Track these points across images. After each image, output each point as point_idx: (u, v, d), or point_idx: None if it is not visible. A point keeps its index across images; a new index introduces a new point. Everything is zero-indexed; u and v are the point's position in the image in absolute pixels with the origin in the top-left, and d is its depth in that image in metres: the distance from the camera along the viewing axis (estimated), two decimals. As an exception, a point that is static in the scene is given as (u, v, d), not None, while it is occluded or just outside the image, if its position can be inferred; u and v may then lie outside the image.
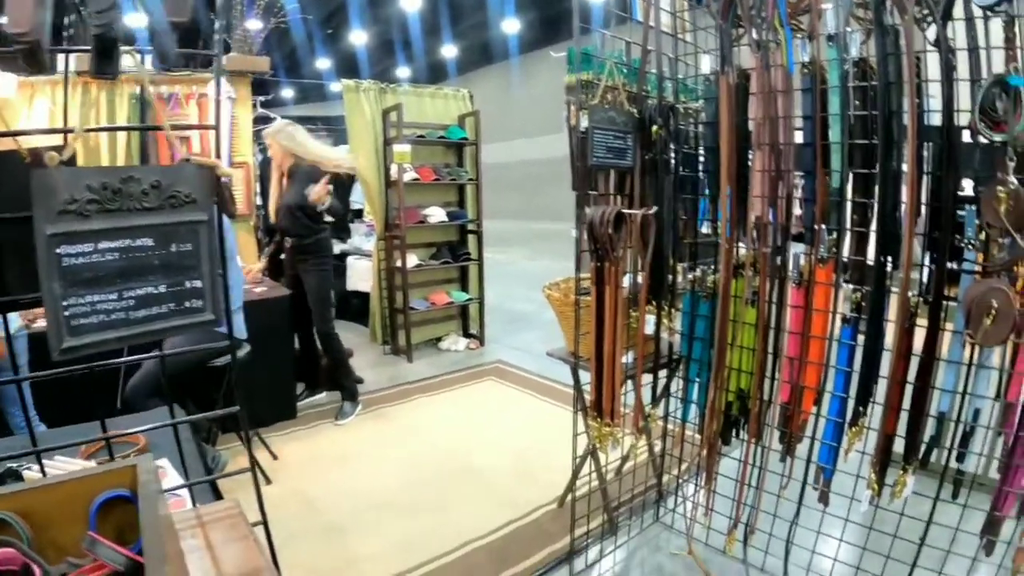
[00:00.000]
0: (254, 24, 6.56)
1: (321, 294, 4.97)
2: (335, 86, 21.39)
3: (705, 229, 3.03)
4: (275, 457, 4.17)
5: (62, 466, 1.70)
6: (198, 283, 1.44)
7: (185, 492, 1.74)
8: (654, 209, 2.62)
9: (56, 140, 1.35)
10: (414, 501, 3.69)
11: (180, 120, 5.07)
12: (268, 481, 3.83)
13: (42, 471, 1.48)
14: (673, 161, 2.91)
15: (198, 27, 1.58)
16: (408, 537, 3.29)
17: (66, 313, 1.27)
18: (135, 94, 4.98)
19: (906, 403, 2.27)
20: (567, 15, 2.51)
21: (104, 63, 1.29)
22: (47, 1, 1.19)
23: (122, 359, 1.58)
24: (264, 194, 5.87)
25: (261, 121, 7.00)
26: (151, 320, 1.40)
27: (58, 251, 1.25)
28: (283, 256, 5.26)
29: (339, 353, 5.10)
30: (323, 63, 22.91)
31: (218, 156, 1.51)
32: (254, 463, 1.70)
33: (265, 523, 1.62)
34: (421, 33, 19.65)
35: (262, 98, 7.35)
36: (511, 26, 20.00)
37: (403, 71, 24.83)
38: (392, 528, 3.39)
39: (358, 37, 20.03)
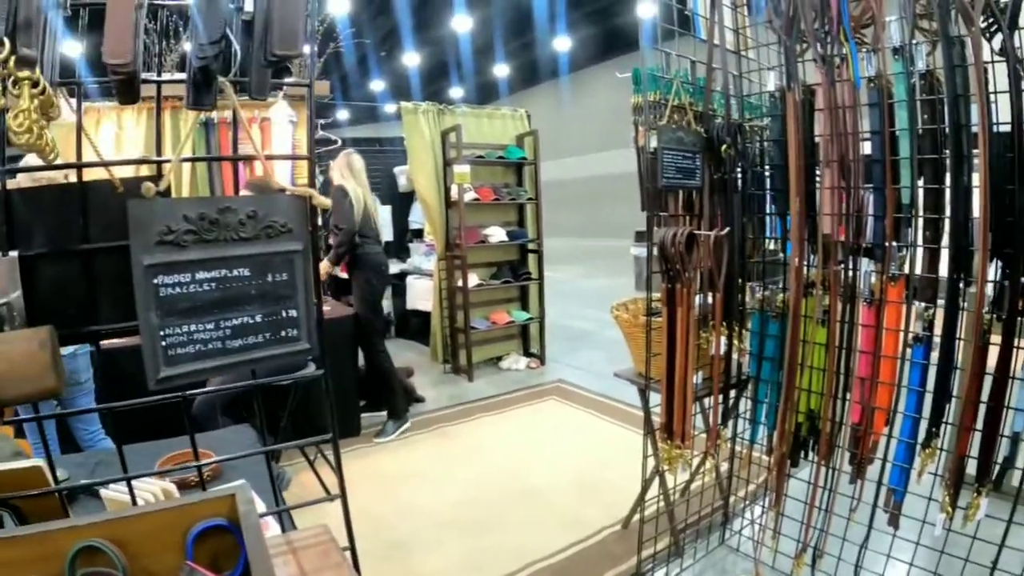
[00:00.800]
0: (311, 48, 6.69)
1: (363, 308, 5.10)
2: (389, 107, 21.71)
3: (772, 247, 3.00)
4: (336, 473, 4.21)
5: (143, 487, 1.74)
6: (294, 312, 1.47)
7: (269, 517, 1.77)
8: (726, 230, 2.60)
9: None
10: (477, 520, 3.69)
11: (242, 143, 5.15)
12: (332, 498, 3.87)
13: (132, 499, 1.51)
14: (741, 180, 2.89)
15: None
16: (471, 556, 3.30)
17: (163, 343, 1.30)
18: (200, 118, 5.07)
19: (979, 423, 2.20)
20: (618, 31, 2.52)
21: (202, 94, 1.32)
22: (141, 36, 1.23)
23: (216, 388, 1.61)
24: (325, 217, 5.97)
25: (322, 143, 7.12)
26: (247, 349, 1.43)
27: (155, 281, 1.29)
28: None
29: (384, 370, 5.16)
30: (377, 85, 23.22)
31: (313, 183, 1.54)
32: (343, 491, 1.72)
33: (353, 549, 1.64)
34: (473, 53, 19.79)
35: (322, 121, 7.48)
36: (562, 44, 20.03)
37: (456, 91, 25.04)
38: (455, 547, 3.41)
39: (411, 58, 20.25)
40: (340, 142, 7.57)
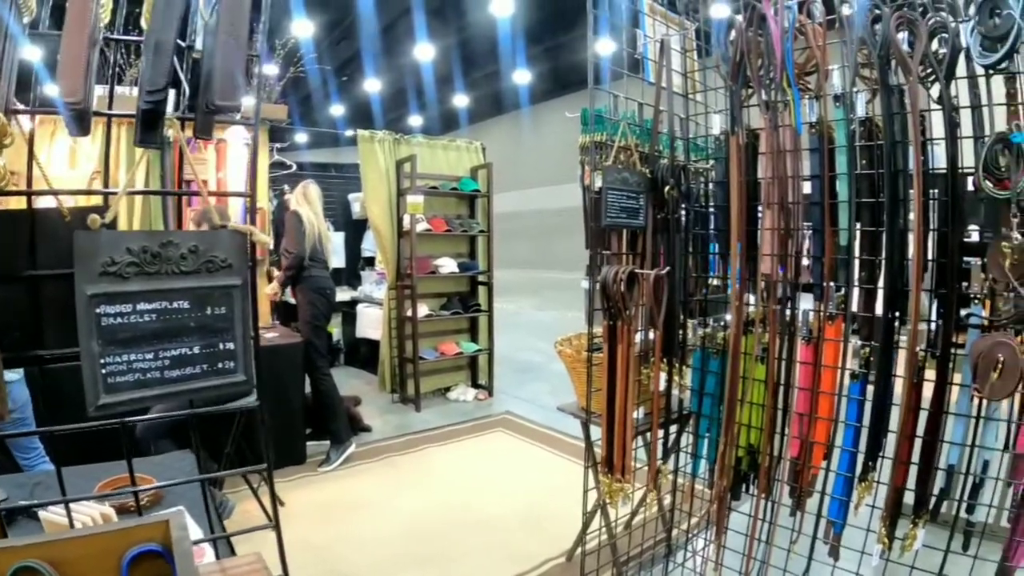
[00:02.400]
0: (272, 70, 6.69)
1: (307, 330, 5.16)
2: (348, 133, 21.71)
3: (715, 283, 3.07)
4: (282, 503, 4.17)
5: (82, 510, 1.72)
6: (231, 345, 1.49)
7: (206, 544, 1.76)
8: (666, 269, 2.66)
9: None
10: (422, 552, 3.68)
11: (198, 162, 5.12)
12: (267, 527, 3.82)
13: (70, 522, 1.50)
14: (684, 220, 2.96)
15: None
16: (417, 589, 3.27)
17: (103, 371, 1.31)
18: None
19: (915, 456, 2.26)
20: (576, 67, 2.59)
21: (149, 134, 1.34)
22: (94, 73, 1.24)
23: (158, 415, 1.62)
24: (277, 240, 5.98)
25: (277, 167, 7.11)
26: (185, 380, 1.45)
27: (98, 311, 1.30)
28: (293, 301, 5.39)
29: (327, 393, 5.16)
30: (336, 110, 23.19)
31: (251, 219, 1.56)
32: (277, 520, 1.72)
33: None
34: (434, 83, 19.92)
35: (278, 145, 7.46)
36: (522, 77, 20.26)
37: (415, 119, 25.11)
38: (400, 579, 3.37)
39: (372, 85, 20.30)
40: (295, 167, 7.58)
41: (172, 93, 1.42)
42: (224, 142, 5.20)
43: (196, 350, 1.46)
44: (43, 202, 1.52)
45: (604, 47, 2.81)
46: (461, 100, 23.34)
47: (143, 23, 1.37)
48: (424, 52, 17.00)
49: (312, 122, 23.20)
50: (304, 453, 5.07)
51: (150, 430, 3.47)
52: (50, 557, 1.03)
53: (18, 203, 2.56)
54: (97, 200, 1.66)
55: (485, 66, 19.56)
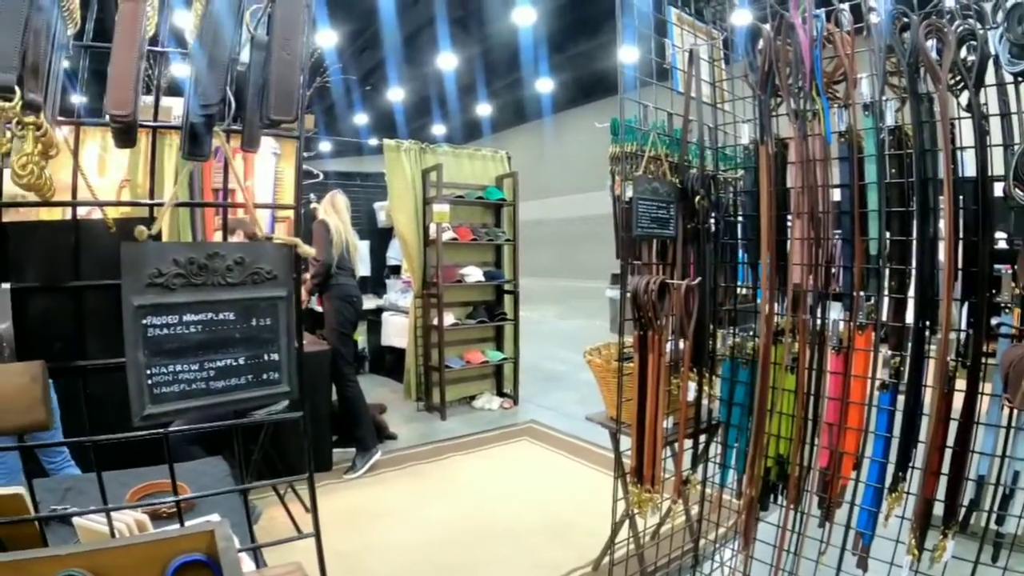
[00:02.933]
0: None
1: (333, 337, 5.21)
2: (372, 141, 21.83)
3: (744, 294, 3.06)
4: (308, 510, 4.19)
5: (116, 516, 1.74)
6: (276, 356, 1.51)
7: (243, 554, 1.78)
8: (698, 280, 2.66)
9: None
10: (447, 560, 3.68)
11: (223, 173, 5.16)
12: (306, 536, 3.84)
13: (111, 530, 1.53)
14: (714, 229, 2.96)
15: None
16: (442, 597, 3.28)
17: (149, 382, 1.33)
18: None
19: (945, 467, 2.25)
20: (599, 76, 2.60)
21: (197, 147, 1.36)
22: (140, 86, 1.27)
23: (195, 425, 1.64)
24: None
25: (304, 176, 7.15)
26: (230, 391, 1.47)
27: (144, 322, 1.32)
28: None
29: (353, 400, 5.20)
30: (360, 119, 23.33)
31: (296, 233, 1.58)
32: (318, 530, 1.74)
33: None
34: (457, 92, 20.01)
35: (306, 154, 7.51)
36: (545, 85, 20.31)
37: (439, 128, 25.23)
38: (427, 587, 3.38)
39: (395, 94, 20.43)
40: (321, 175, 7.63)
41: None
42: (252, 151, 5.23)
43: (241, 361, 1.48)
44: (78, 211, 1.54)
45: (631, 56, 2.81)
46: (484, 109, 23.43)
47: (187, 36, 1.40)
48: (447, 61, 17.11)
49: (336, 131, 23.35)
50: (330, 460, 5.09)
51: (180, 437, 3.50)
52: (93, 566, 1.04)
53: (48, 212, 2.60)
54: (127, 210, 1.68)
55: (508, 75, 19.63)
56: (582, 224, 22.67)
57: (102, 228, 1.39)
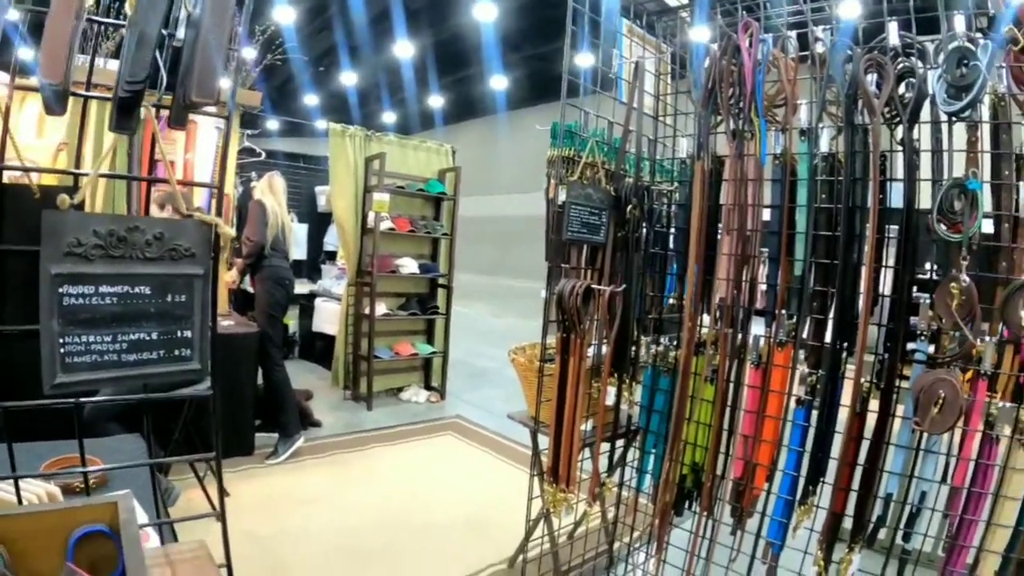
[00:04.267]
0: (250, 54, 6.63)
1: (262, 319, 5.16)
2: (321, 124, 21.56)
3: (672, 303, 3.12)
4: (227, 494, 4.11)
5: (28, 488, 1.70)
6: (188, 333, 1.50)
7: (151, 529, 1.76)
8: (622, 287, 2.70)
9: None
10: (365, 549, 3.67)
11: (167, 142, 5.05)
12: (212, 515, 3.79)
13: (19, 498, 1.50)
14: (644, 239, 3.01)
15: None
16: (356, 586, 3.27)
17: (62, 350, 1.32)
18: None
19: (855, 484, 2.33)
20: (554, 79, 2.62)
21: (125, 120, 1.35)
22: (75, 53, 1.25)
23: (110, 397, 1.63)
24: (240, 227, 5.95)
25: (246, 153, 7.05)
26: (141, 364, 1.46)
27: (60, 290, 1.31)
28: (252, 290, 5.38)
29: (278, 384, 5.14)
30: (311, 99, 23.00)
31: (218, 212, 1.57)
32: (223, 511, 1.73)
33: (229, 568, 1.65)
34: (412, 81, 19.87)
35: (250, 131, 7.39)
36: (499, 83, 20.31)
37: (389, 116, 25.00)
38: (343, 575, 3.38)
39: (348, 78, 20.19)
40: (263, 154, 7.52)
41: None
42: (194, 123, 5.13)
43: (154, 336, 1.48)
44: (8, 174, 1.51)
45: (581, 63, 2.84)
46: (437, 101, 23.29)
47: (127, 7, 1.38)
48: (404, 49, 16.97)
49: (286, 110, 22.98)
50: (252, 444, 5.01)
51: (99, 412, 3.42)
52: (-2, 532, 1.04)
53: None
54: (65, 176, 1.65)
55: (464, 69, 19.57)
56: (523, 224, 22.60)
57: (28, 193, 1.36)
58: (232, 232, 1.57)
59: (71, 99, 1.35)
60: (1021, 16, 1.96)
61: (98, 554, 1.09)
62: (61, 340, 1.32)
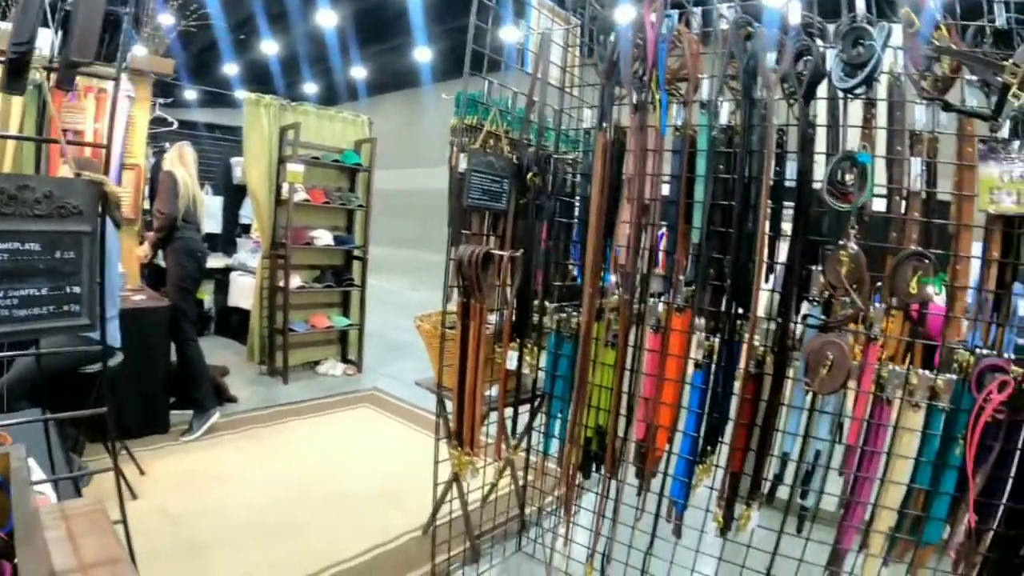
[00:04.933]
0: (166, 19, 6.45)
1: (174, 292, 5.10)
2: (240, 94, 21.04)
3: (576, 273, 3.19)
4: (142, 472, 4.07)
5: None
6: (77, 289, 1.56)
7: (49, 490, 1.76)
8: (520, 252, 2.75)
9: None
10: (281, 523, 3.67)
11: (75, 113, 4.92)
12: (134, 496, 3.74)
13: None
14: (548, 207, 3.06)
15: (115, 17, 1.66)
16: (272, 559, 3.28)
17: (-48, 305, 1.33)
18: (34, 80, 4.83)
19: (754, 444, 2.43)
20: (475, 53, 2.63)
21: (15, 82, 1.37)
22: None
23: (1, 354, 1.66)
24: (152, 198, 5.82)
25: (158, 123, 6.87)
26: (32, 320, 1.51)
27: None
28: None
29: (191, 359, 5.08)
30: (231, 69, 22.37)
31: (117, 169, 1.58)
32: (117, 465, 1.75)
33: (124, 521, 1.66)
34: (334, 51, 19.49)
35: (162, 100, 7.20)
36: (423, 55, 20.10)
37: (311, 87, 24.49)
38: (257, 549, 3.38)
39: (269, 47, 19.68)
40: (176, 124, 7.34)
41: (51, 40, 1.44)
42: (104, 92, 4.98)
43: (44, 291, 1.52)
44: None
45: (500, 34, 2.87)
46: (359, 72, 22.89)
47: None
48: (326, 18, 16.64)
49: (206, 80, 22.28)
50: (168, 422, 4.94)
51: (9, 391, 3.34)
52: None
53: None
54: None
55: (387, 40, 19.24)
56: (441, 197, 22.49)
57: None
58: (119, 190, 1.60)
59: None
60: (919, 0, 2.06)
61: (-6, 506, 1.10)
62: (-49, 295, 1.34)
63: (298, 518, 3.75)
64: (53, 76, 1.58)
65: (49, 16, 1.43)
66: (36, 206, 1.46)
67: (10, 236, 1.44)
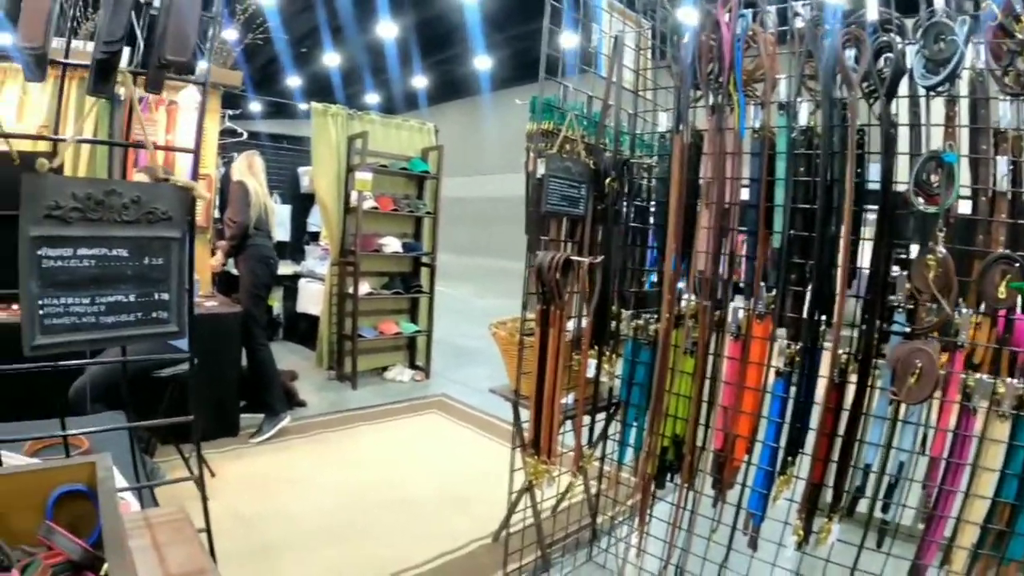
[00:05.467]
0: (231, 34, 6.58)
1: (247, 298, 5.16)
2: (303, 106, 21.39)
3: (653, 278, 3.13)
4: (213, 474, 4.14)
5: (8, 461, 1.71)
6: (166, 296, 1.54)
7: (130, 496, 1.77)
8: (600, 258, 2.71)
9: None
10: (350, 527, 3.68)
11: (148, 123, 5.03)
12: (191, 478, 3.80)
13: (-1, 463, 1.51)
14: (625, 213, 3.02)
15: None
16: (341, 563, 3.29)
17: (40, 312, 1.35)
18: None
19: (835, 455, 2.35)
20: (538, 58, 2.60)
21: (102, 84, 1.37)
22: (54, 22, 1.26)
23: (84, 361, 1.66)
24: (223, 208, 5.92)
25: (227, 134, 7.01)
26: (119, 327, 1.50)
27: (39, 252, 1.34)
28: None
29: (263, 363, 5.15)
30: (294, 81, 22.81)
31: (195, 177, 1.58)
32: (202, 473, 1.75)
33: (208, 530, 1.66)
34: (395, 61, 19.71)
35: (231, 112, 7.35)
36: (483, 63, 20.20)
37: (372, 97, 24.81)
38: (326, 553, 3.39)
39: (331, 59, 20.02)
40: (245, 134, 7.48)
41: (128, 49, 1.45)
42: (175, 104, 5.11)
43: (132, 298, 1.51)
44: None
45: (560, 39, 2.84)
46: (420, 81, 23.14)
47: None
48: (387, 30, 16.83)
49: (269, 92, 22.78)
50: (237, 425, 5.02)
51: (84, 393, 3.41)
52: (-26, 493, 1.05)
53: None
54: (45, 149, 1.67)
55: (447, 49, 19.42)
56: (505, 204, 22.48)
57: (7, 161, 1.38)
58: (207, 195, 1.60)
59: (50, 84, 1.38)
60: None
61: (76, 514, 1.10)
62: (40, 302, 1.35)
63: (366, 523, 3.76)
64: (132, 81, 1.57)
65: (135, 20, 1.44)
66: (124, 211, 1.46)
67: (97, 242, 1.44)
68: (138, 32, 1.40)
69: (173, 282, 1.56)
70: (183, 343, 3.65)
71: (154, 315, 1.55)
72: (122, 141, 2.33)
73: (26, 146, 2.97)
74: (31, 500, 1.08)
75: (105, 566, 0.97)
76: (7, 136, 1.46)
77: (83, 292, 1.43)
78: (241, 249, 5.18)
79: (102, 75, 1.40)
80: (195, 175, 1.63)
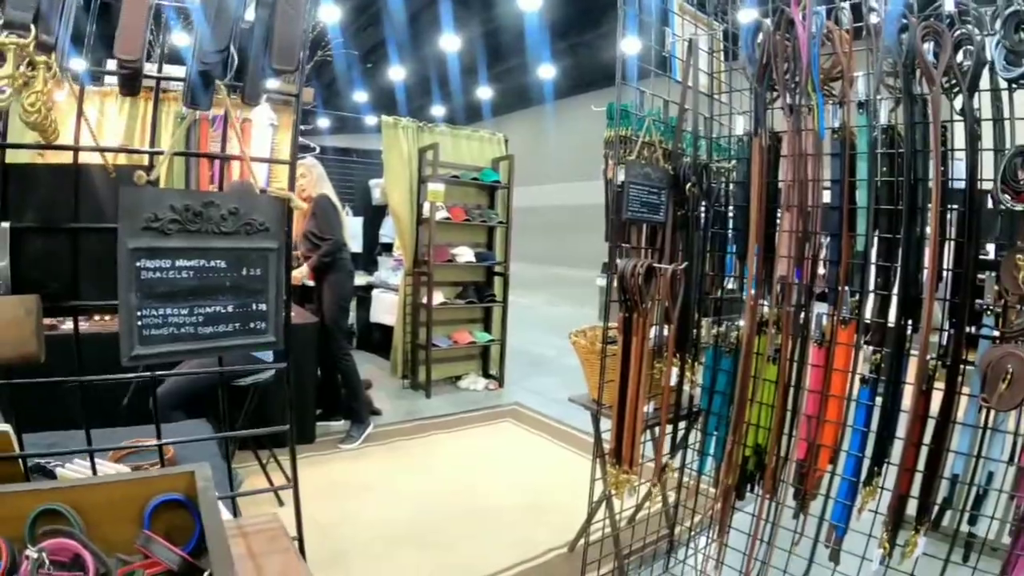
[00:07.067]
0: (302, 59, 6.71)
1: (332, 311, 5.21)
2: (370, 119, 21.73)
3: (731, 285, 3.09)
4: (288, 479, 4.20)
5: (100, 469, 1.76)
6: (263, 306, 1.56)
7: (221, 504, 1.81)
8: (684, 265, 2.68)
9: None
10: (424, 535, 3.71)
11: (219, 141, 5.16)
12: (281, 503, 3.87)
13: (93, 470, 1.56)
14: (704, 218, 2.99)
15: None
16: (418, 571, 3.32)
17: (139, 323, 1.38)
18: (180, 111, 5.13)
19: (921, 464, 2.27)
20: (601, 66, 2.61)
21: (200, 96, 1.40)
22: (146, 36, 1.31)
23: (179, 371, 1.70)
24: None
25: (300, 149, 7.15)
26: (217, 337, 1.52)
27: (138, 264, 1.37)
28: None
29: (349, 373, 5.24)
30: (360, 96, 23.20)
31: (290, 187, 1.62)
32: (296, 481, 1.77)
33: (300, 539, 1.69)
34: (458, 73, 19.89)
35: (303, 127, 7.49)
36: (547, 72, 20.23)
37: (438, 109, 25.07)
38: (400, 561, 3.42)
39: (396, 73, 20.29)
40: (318, 149, 7.62)
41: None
42: (249, 122, 5.22)
43: (230, 309, 1.54)
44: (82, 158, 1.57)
45: (632, 44, 2.83)
46: (485, 92, 23.30)
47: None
48: (450, 42, 17.00)
49: (336, 107, 23.21)
50: (314, 433, 5.13)
51: (164, 401, 3.51)
52: (73, 502, 1.07)
53: (55, 157, 2.65)
54: (125, 161, 1.72)
55: (510, 59, 19.52)
56: (575, 213, 22.52)
57: (101, 173, 1.42)
58: (304, 206, 1.62)
59: (127, 106, 1.42)
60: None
61: (173, 524, 1.13)
62: (139, 313, 1.38)
63: (443, 530, 3.79)
64: (228, 93, 1.59)
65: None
66: (222, 223, 1.48)
67: (196, 253, 1.47)
68: (233, 47, 1.43)
69: (270, 293, 1.58)
70: (265, 353, 3.80)
71: (252, 325, 1.57)
72: (216, 154, 2.39)
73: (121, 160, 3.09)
74: (127, 509, 1.11)
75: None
76: (104, 150, 1.50)
77: (182, 303, 1.46)
78: (328, 263, 5.25)
79: (202, 87, 1.43)
80: (291, 186, 1.65)
